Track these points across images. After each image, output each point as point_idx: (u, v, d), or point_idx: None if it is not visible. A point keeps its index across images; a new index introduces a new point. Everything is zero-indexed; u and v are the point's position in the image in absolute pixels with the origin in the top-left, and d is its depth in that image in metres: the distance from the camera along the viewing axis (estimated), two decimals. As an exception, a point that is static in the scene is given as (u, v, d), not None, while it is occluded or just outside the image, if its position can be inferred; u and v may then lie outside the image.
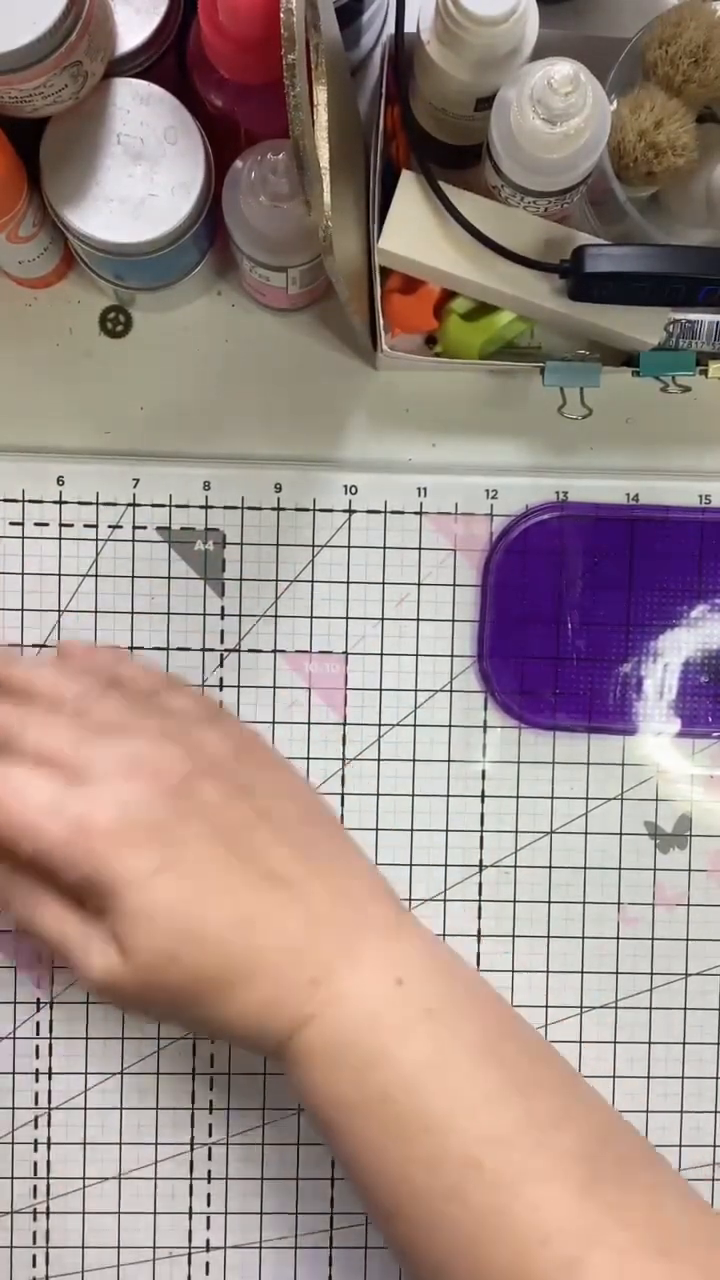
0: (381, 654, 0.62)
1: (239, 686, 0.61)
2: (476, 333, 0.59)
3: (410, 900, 0.61)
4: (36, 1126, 0.61)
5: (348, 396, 0.62)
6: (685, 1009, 0.62)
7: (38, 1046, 0.61)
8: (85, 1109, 0.61)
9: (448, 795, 0.62)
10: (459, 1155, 0.45)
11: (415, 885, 0.61)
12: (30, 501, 0.61)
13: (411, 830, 0.61)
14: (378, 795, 0.61)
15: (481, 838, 0.62)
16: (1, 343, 0.62)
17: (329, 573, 0.61)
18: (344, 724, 0.61)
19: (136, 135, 0.53)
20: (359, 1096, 0.47)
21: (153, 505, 0.61)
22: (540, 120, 0.51)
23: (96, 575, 0.61)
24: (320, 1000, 0.48)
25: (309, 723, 0.61)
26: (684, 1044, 0.62)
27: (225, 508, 0.61)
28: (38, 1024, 0.61)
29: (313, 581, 0.61)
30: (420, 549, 0.62)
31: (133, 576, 0.61)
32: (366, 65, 0.62)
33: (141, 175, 0.53)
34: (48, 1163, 0.61)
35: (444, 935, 0.61)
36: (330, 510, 0.62)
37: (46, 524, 0.61)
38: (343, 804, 0.61)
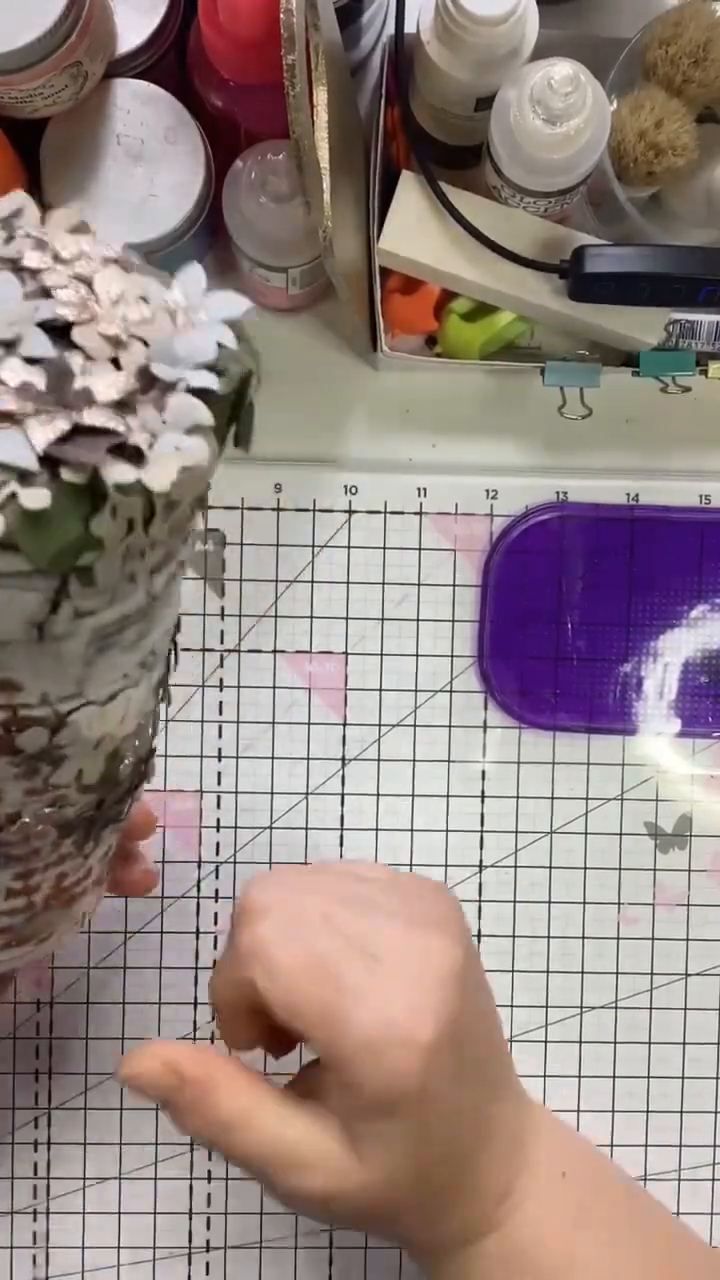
0: (381, 654, 0.62)
1: (239, 686, 0.61)
2: (476, 333, 0.59)
3: (410, 900, 0.61)
4: (36, 1126, 0.61)
5: (348, 397, 0.62)
6: (685, 1009, 0.62)
7: (38, 1047, 0.61)
8: (85, 1109, 0.61)
9: (448, 796, 0.62)
10: None
11: (415, 885, 0.61)
12: (30, 502, 0.61)
13: (411, 830, 0.61)
14: (378, 795, 0.61)
15: (481, 838, 0.62)
16: (2, 343, 0.62)
17: (329, 573, 0.61)
18: (344, 724, 0.61)
19: (136, 136, 0.53)
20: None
21: (153, 505, 0.61)
22: (540, 120, 0.51)
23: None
24: (506, 1209, 0.47)
25: (309, 723, 0.61)
26: (684, 1044, 0.62)
27: (225, 508, 0.61)
28: (38, 1024, 0.61)
29: (313, 582, 0.61)
30: (420, 549, 0.62)
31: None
32: (366, 65, 0.62)
33: (141, 176, 0.53)
34: (48, 1163, 0.60)
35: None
36: (330, 510, 0.62)
37: (46, 524, 0.61)
38: (343, 804, 0.61)
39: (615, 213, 0.57)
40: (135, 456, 0.26)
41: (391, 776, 0.62)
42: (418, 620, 0.62)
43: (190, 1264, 0.61)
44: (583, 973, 0.62)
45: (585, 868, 0.62)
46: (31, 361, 0.26)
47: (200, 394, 0.28)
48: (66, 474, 0.25)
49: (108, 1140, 0.61)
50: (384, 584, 0.62)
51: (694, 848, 0.62)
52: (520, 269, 0.57)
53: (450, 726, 0.62)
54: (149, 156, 0.53)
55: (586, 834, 0.62)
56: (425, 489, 0.62)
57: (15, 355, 0.26)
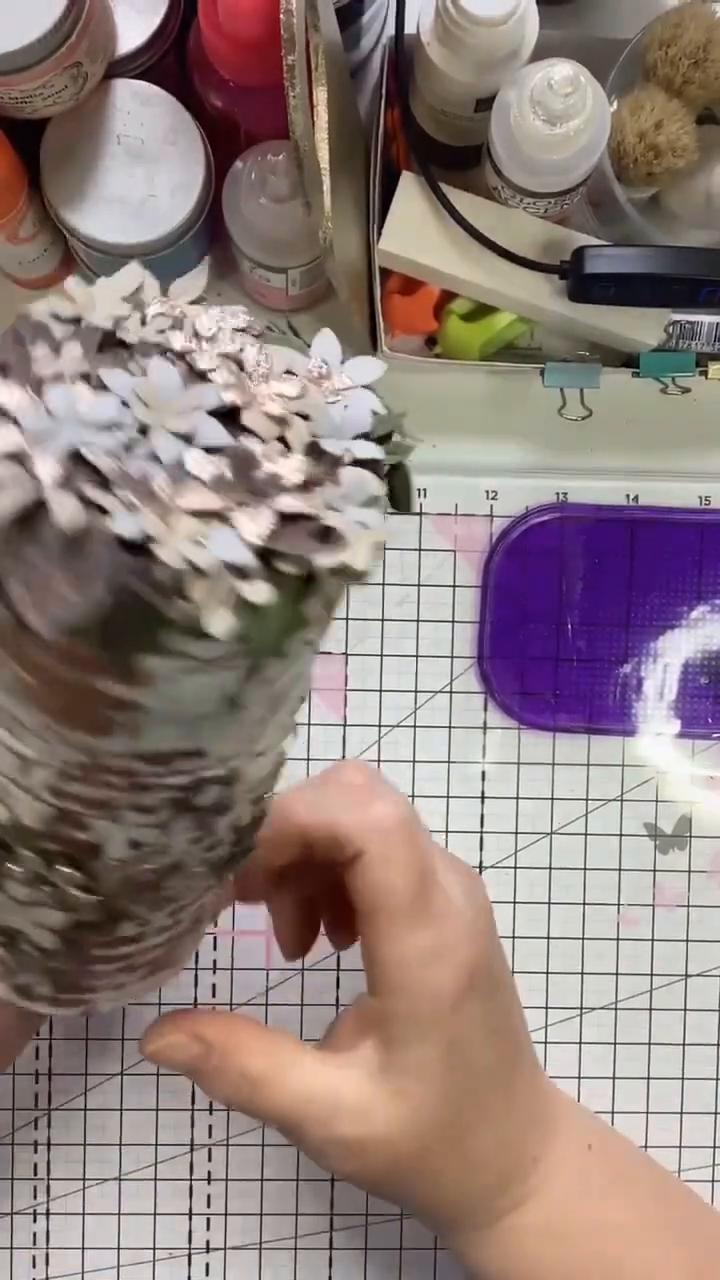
0: (381, 655, 0.62)
1: (239, 687, 0.61)
2: (476, 334, 0.59)
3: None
4: (36, 1127, 0.60)
5: (348, 397, 0.62)
6: (685, 1010, 0.62)
7: (37, 1048, 0.61)
8: (85, 1110, 0.61)
9: (447, 796, 0.62)
10: None
11: (415, 886, 0.61)
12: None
13: (411, 831, 0.61)
14: (378, 796, 0.61)
15: (481, 839, 0.62)
16: (1, 344, 0.62)
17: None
18: (344, 725, 0.61)
19: (137, 136, 0.53)
20: (574, 1263, 0.47)
21: (153, 506, 0.61)
22: (540, 121, 0.51)
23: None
24: (539, 1179, 0.47)
25: (309, 723, 0.61)
26: (684, 1045, 0.62)
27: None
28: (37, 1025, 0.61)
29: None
30: (420, 550, 0.62)
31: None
32: (366, 66, 0.62)
33: (142, 176, 0.53)
34: (48, 1164, 0.60)
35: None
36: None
37: (46, 525, 0.61)
38: (343, 805, 0.61)
39: (615, 213, 0.57)
40: (325, 536, 0.26)
41: (391, 777, 0.61)
42: (418, 621, 0.62)
43: (190, 1265, 0.61)
44: (582, 974, 0.62)
45: (585, 868, 0.62)
46: (210, 451, 0.26)
47: (367, 464, 0.28)
48: (284, 566, 0.25)
49: (108, 1141, 0.61)
50: (384, 584, 0.62)
51: (694, 849, 0.62)
52: (520, 270, 0.57)
53: (450, 727, 0.62)
54: (149, 157, 0.53)
55: (586, 835, 0.62)
56: (425, 489, 0.62)
57: (195, 447, 0.26)
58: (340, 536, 0.26)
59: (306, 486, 0.27)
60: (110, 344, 0.27)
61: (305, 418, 0.28)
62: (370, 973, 0.44)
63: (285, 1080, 0.44)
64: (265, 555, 0.25)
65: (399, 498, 0.29)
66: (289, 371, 0.29)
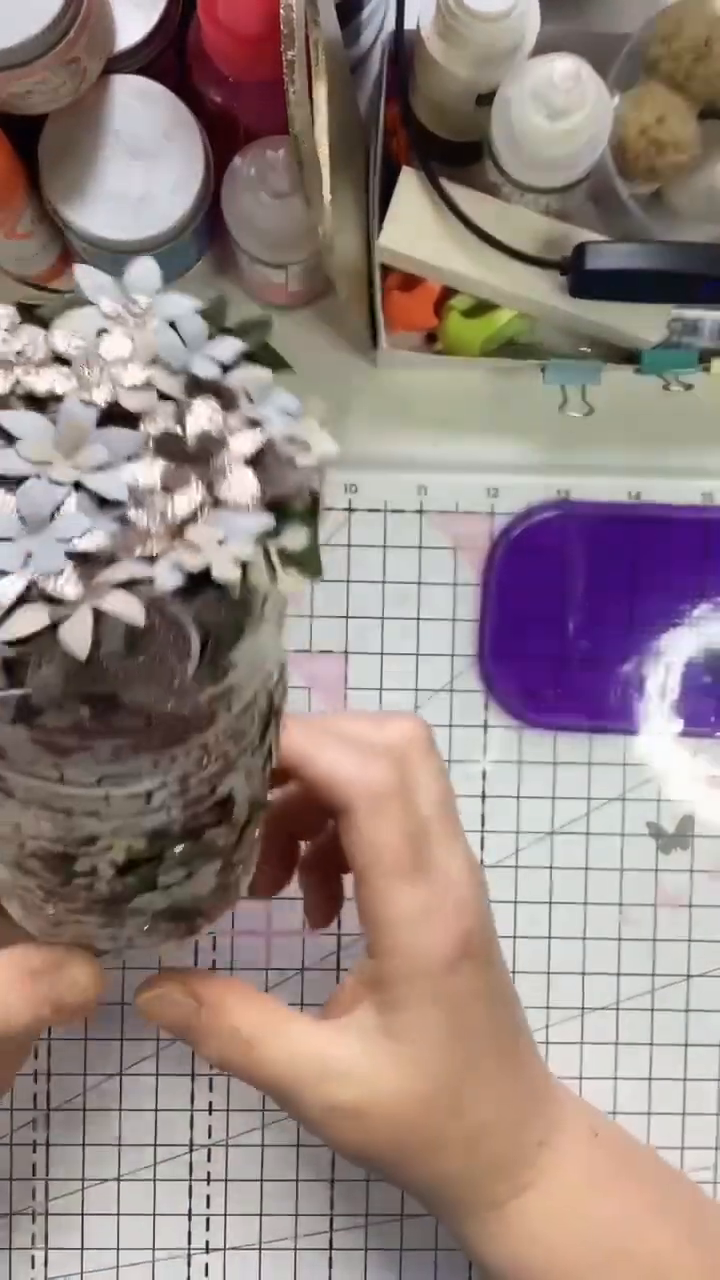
0: (382, 653, 0.61)
1: (239, 686, 0.61)
2: (477, 330, 0.59)
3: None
4: (35, 1128, 0.60)
5: (347, 394, 0.62)
6: (687, 1010, 0.62)
7: (37, 1048, 0.60)
8: (84, 1110, 0.60)
9: (448, 795, 0.61)
10: None
11: (416, 885, 0.61)
12: (29, 500, 0.61)
13: (412, 830, 0.61)
14: (378, 795, 0.61)
15: (482, 838, 0.61)
16: (0, 341, 0.62)
17: (329, 572, 0.61)
18: (344, 724, 0.61)
19: (135, 132, 0.53)
20: (584, 1250, 0.47)
21: (152, 504, 0.61)
22: (541, 116, 0.51)
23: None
24: (546, 1162, 0.47)
25: (309, 722, 0.61)
26: (686, 1046, 0.62)
27: (225, 506, 0.61)
28: (37, 1025, 0.60)
29: (313, 580, 0.61)
30: (421, 548, 0.62)
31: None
32: (366, 61, 0.62)
33: (141, 172, 0.53)
34: (46, 1164, 0.60)
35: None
36: (330, 509, 0.61)
37: (45, 523, 0.61)
38: (343, 804, 0.61)
39: (617, 209, 0.57)
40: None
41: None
42: (418, 619, 0.62)
43: (190, 1265, 0.61)
44: (584, 974, 0.62)
45: (587, 868, 0.62)
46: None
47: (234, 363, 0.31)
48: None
49: (106, 1141, 0.61)
50: (384, 583, 0.61)
51: (696, 848, 0.62)
52: (521, 266, 0.57)
53: (451, 726, 0.62)
54: (148, 153, 0.53)
55: (588, 834, 0.62)
56: (426, 487, 0.61)
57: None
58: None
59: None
60: None
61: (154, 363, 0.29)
62: (367, 935, 0.44)
63: (279, 1040, 0.43)
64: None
65: (262, 358, 0.30)
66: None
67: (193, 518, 0.28)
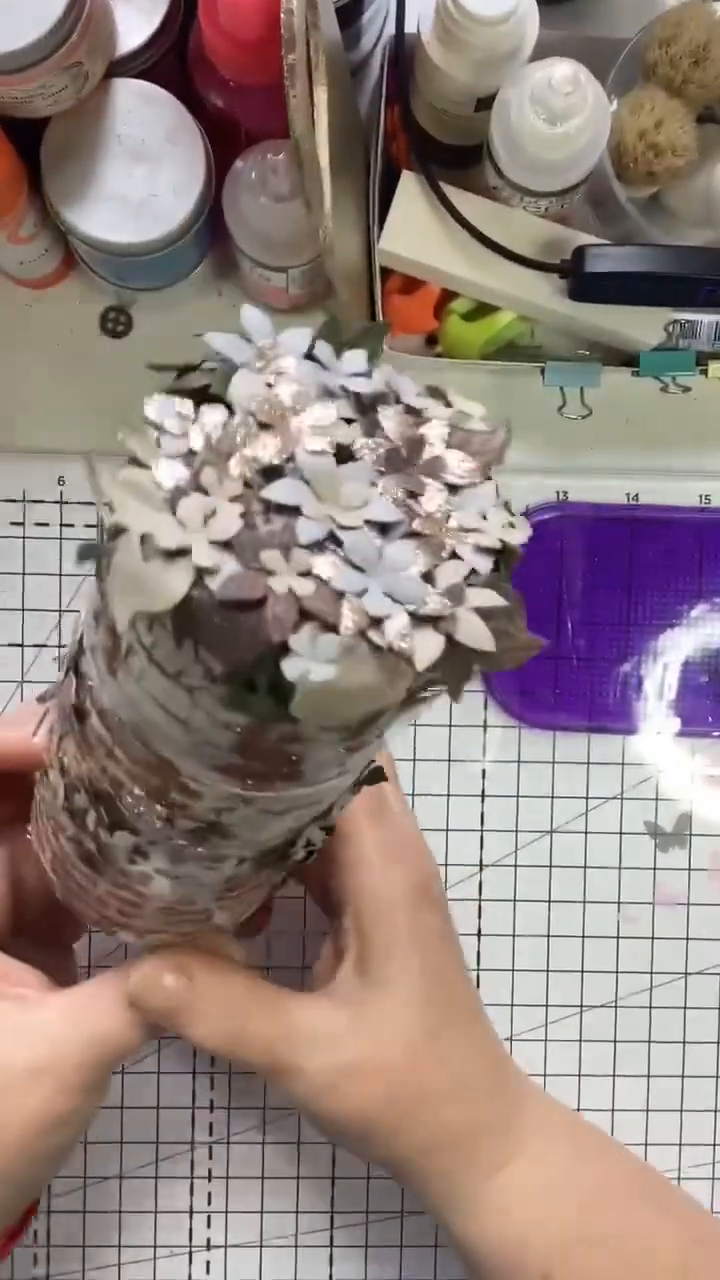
0: (382, 654, 0.62)
1: (239, 686, 0.61)
2: (477, 333, 0.59)
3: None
4: (37, 1125, 0.60)
5: (348, 396, 0.62)
6: (685, 1008, 0.62)
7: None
8: (86, 1108, 0.61)
9: (448, 795, 0.62)
10: (669, 1263, 0.48)
11: (415, 884, 0.61)
12: (31, 502, 0.61)
13: (412, 830, 0.61)
14: (378, 795, 0.61)
15: (482, 837, 0.62)
16: (2, 343, 0.62)
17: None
18: (344, 723, 0.61)
19: (137, 135, 0.53)
20: (575, 1227, 0.48)
21: (153, 505, 0.61)
22: (540, 120, 0.51)
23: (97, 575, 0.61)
24: (527, 1132, 0.48)
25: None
26: (684, 1043, 0.62)
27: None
28: (38, 1023, 0.61)
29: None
30: (420, 549, 0.62)
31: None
32: (367, 66, 0.62)
33: (142, 175, 0.53)
34: (48, 1162, 0.60)
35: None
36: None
37: (47, 524, 0.61)
38: (343, 803, 0.61)
39: (615, 212, 0.57)
40: None
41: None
42: (418, 620, 0.62)
43: (191, 1263, 0.61)
44: (582, 972, 0.62)
45: (585, 867, 0.62)
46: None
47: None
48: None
49: (108, 1139, 0.61)
50: (384, 583, 0.62)
51: (694, 847, 0.62)
52: (520, 269, 0.57)
53: (450, 726, 0.62)
54: (150, 156, 0.53)
55: (586, 833, 0.62)
56: (425, 488, 0.62)
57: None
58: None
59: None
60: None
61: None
62: (337, 882, 0.46)
63: (273, 1013, 0.44)
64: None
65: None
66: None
67: (446, 510, 0.30)
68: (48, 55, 0.48)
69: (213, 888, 0.39)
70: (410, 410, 0.32)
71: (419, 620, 0.28)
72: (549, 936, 0.62)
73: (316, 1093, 0.44)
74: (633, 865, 0.62)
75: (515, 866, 0.62)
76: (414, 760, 0.61)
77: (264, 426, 0.29)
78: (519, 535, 0.31)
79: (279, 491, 0.28)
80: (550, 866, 0.62)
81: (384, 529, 0.29)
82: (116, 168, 0.53)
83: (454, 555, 0.30)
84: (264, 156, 0.54)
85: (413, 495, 0.30)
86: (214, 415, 0.29)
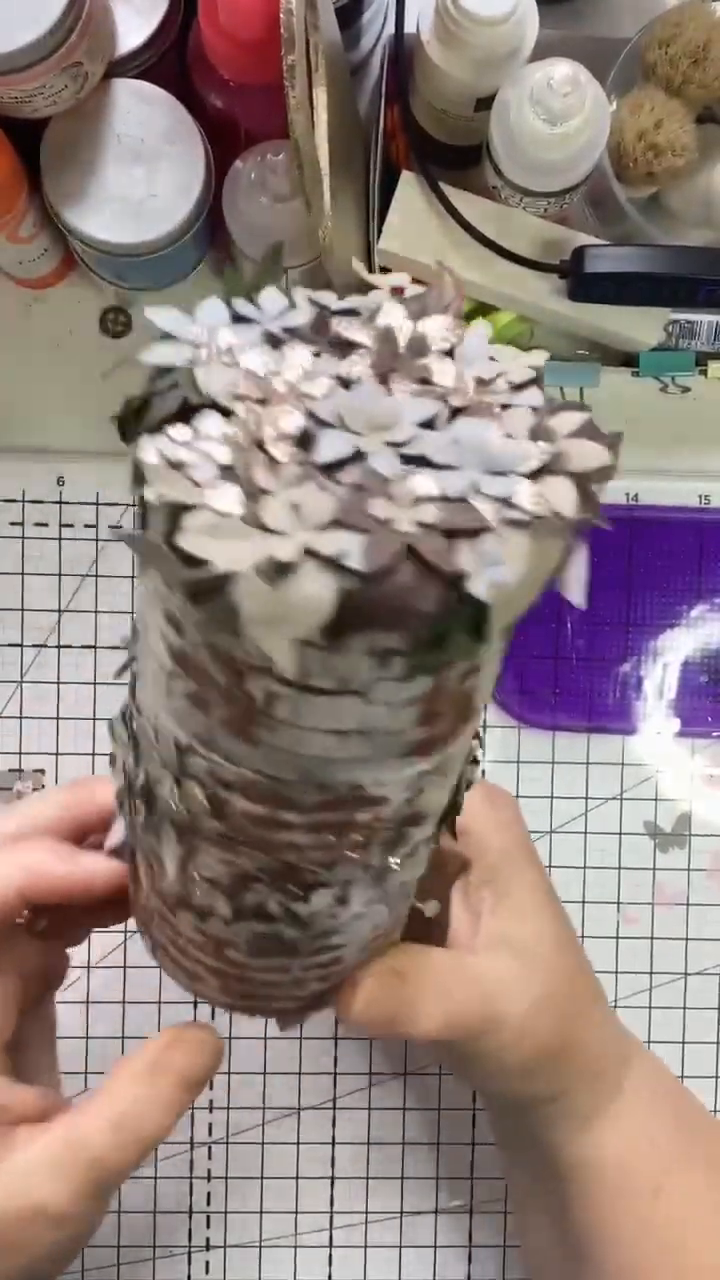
0: (381, 654, 0.62)
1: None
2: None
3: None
4: (37, 1126, 0.61)
5: (348, 397, 0.62)
6: (685, 1008, 0.62)
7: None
8: (85, 1108, 0.61)
9: (447, 795, 0.62)
10: None
11: (415, 885, 0.61)
12: (30, 502, 0.61)
13: (411, 830, 0.61)
14: (377, 795, 0.61)
15: (481, 837, 0.62)
16: (2, 343, 0.62)
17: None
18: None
19: (137, 136, 0.53)
20: (681, 1139, 0.49)
21: (153, 505, 0.61)
22: (540, 121, 0.51)
23: (96, 575, 0.61)
24: (632, 1051, 0.49)
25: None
26: (683, 1043, 0.62)
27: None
28: (38, 1023, 0.61)
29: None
30: (420, 549, 0.62)
31: (133, 577, 0.61)
32: (366, 66, 0.62)
33: (142, 176, 0.53)
34: (48, 1162, 0.60)
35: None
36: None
37: (46, 524, 0.61)
38: (343, 804, 0.61)
39: (615, 213, 0.57)
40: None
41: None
42: (417, 620, 0.62)
43: (190, 1263, 0.61)
44: (582, 972, 0.62)
45: (585, 867, 0.62)
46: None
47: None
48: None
49: (108, 1139, 0.61)
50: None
51: (693, 847, 0.62)
52: (520, 269, 0.57)
53: (450, 726, 0.62)
54: (149, 156, 0.53)
55: (586, 833, 0.62)
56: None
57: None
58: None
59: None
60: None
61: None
62: (467, 850, 0.46)
63: (467, 979, 0.44)
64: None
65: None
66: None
67: (462, 376, 0.29)
68: (47, 55, 0.48)
69: (413, 884, 0.37)
70: (351, 312, 0.31)
71: (537, 475, 0.27)
72: (548, 937, 0.62)
73: (517, 1037, 0.44)
74: (632, 865, 0.62)
75: (515, 867, 0.62)
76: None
77: (262, 402, 0.28)
78: (537, 357, 0.30)
79: (330, 448, 0.27)
80: (550, 866, 0.62)
81: (430, 424, 0.28)
82: (116, 168, 0.53)
83: (504, 406, 0.29)
84: (263, 156, 0.54)
85: (424, 381, 0.29)
86: (211, 422, 0.28)
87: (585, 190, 0.56)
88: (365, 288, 0.32)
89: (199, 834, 0.33)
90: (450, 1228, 0.61)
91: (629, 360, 0.61)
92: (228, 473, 0.26)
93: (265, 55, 0.46)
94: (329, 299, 0.31)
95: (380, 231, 0.57)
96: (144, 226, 0.54)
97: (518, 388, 0.29)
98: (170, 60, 0.55)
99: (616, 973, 0.62)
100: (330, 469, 0.27)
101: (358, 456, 0.27)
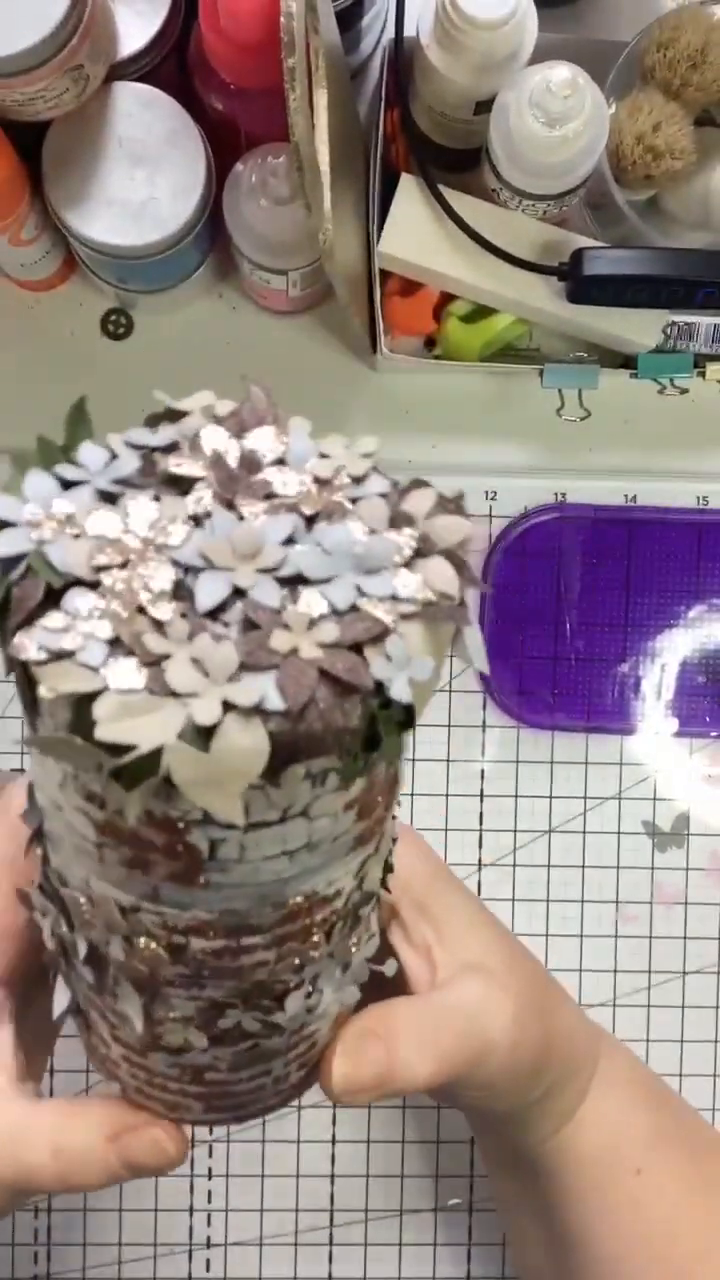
0: (381, 654, 0.62)
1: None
2: (476, 335, 0.60)
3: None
4: (38, 1124, 0.61)
5: (347, 398, 0.63)
6: (683, 1007, 0.62)
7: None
8: (86, 1106, 0.61)
9: (447, 794, 0.62)
10: None
11: (415, 884, 0.62)
12: (32, 502, 0.61)
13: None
14: (377, 794, 0.62)
15: (480, 836, 0.62)
16: (4, 345, 0.62)
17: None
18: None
19: (138, 139, 0.54)
20: (659, 1119, 0.49)
21: (154, 506, 0.61)
22: (539, 124, 0.51)
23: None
24: (601, 1041, 0.49)
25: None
26: (681, 1042, 0.62)
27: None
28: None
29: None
30: (420, 550, 0.62)
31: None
32: (366, 69, 0.63)
33: (143, 179, 0.54)
34: (49, 1160, 0.61)
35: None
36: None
37: (48, 525, 0.61)
38: (342, 803, 0.62)
39: (614, 215, 0.58)
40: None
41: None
42: (417, 620, 0.62)
43: (191, 1261, 0.61)
44: (581, 970, 0.62)
45: (583, 866, 0.62)
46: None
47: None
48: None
49: (109, 1137, 0.61)
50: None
51: (691, 846, 0.62)
52: (519, 271, 0.57)
53: (449, 726, 0.62)
54: (150, 159, 0.54)
55: (585, 833, 0.62)
56: (425, 490, 0.62)
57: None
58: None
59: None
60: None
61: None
62: (393, 894, 0.45)
63: (450, 1017, 0.43)
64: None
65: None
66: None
67: (303, 479, 0.29)
68: (49, 58, 0.48)
69: (370, 951, 0.38)
70: (173, 447, 0.30)
71: (411, 562, 0.28)
72: (547, 935, 0.62)
73: (506, 1058, 0.44)
74: (631, 865, 0.62)
75: (514, 866, 0.62)
76: (413, 760, 0.62)
77: (124, 565, 0.27)
78: (368, 443, 0.30)
79: (208, 594, 0.26)
80: (549, 866, 0.62)
81: (293, 539, 0.28)
82: (117, 171, 0.54)
83: (354, 500, 0.29)
84: (264, 159, 0.54)
85: (269, 496, 0.29)
86: (81, 600, 0.27)
87: (584, 193, 0.56)
88: (175, 415, 0.31)
89: (160, 981, 0.33)
90: (450, 1226, 0.61)
91: (628, 362, 0.61)
92: (116, 647, 0.26)
93: (266, 58, 0.46)
94: (146, 437, 0.30)
95: (380, 234, 0.58)
96: (145, 229, 0.54)
97: (359, 480, 0.29)
98: (171, 63, 0.55)
99: (615, 971, 0.62)
100: (215, 614, 0.26)
101: (237, 594, 0.27)
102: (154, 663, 0.25)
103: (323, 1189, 0.61)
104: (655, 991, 0.62)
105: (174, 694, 0.25)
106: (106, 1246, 0.61)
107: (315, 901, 0.32)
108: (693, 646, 0.63)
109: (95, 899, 0.32)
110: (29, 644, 0.26)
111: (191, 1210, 0.61)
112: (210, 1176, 0.61)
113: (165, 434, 0.30)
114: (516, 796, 0.62)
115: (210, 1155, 0.61)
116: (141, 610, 0.26)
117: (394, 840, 0.36)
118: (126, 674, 0.25)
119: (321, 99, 0.47)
